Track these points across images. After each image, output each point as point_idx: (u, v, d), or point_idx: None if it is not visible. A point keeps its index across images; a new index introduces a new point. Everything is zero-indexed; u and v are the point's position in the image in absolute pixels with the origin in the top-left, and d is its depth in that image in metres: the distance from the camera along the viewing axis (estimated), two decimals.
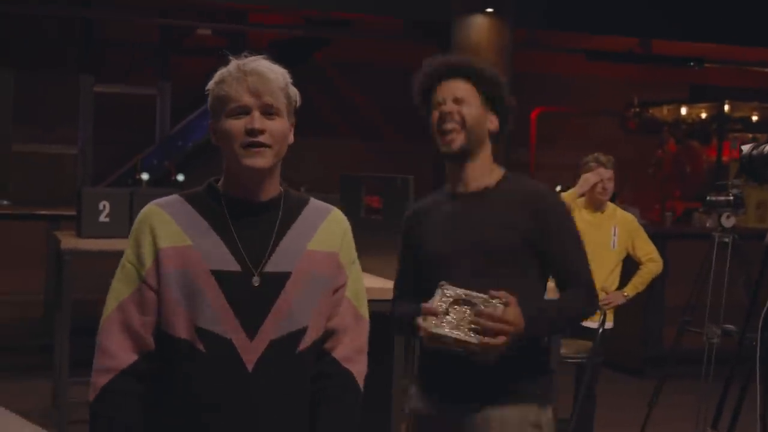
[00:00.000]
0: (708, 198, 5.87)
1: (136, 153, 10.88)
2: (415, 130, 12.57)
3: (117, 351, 2.28)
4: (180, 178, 10.12)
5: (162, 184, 10.11)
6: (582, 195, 5.66)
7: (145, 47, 11.39)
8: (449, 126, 2.76)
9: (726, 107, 13.02)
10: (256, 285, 2.27)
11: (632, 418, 6.24)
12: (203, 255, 2.26)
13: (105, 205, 6.33)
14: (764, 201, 9.96)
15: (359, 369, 2.45)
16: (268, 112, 2.27)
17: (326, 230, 2.38)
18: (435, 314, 2.64)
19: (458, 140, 2.77)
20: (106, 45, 11.37)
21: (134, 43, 11.54)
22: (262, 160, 2.26)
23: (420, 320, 2.65)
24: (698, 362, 5.87)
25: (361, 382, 2.45)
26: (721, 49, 11.27)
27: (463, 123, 2.76)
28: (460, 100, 2.77)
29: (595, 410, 5.61)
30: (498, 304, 2.61)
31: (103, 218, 6.34)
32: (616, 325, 5.73)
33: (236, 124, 2.25)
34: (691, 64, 11.56)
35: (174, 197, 2.37)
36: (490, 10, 9.11)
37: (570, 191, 5.64)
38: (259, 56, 2.33)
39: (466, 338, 2.61)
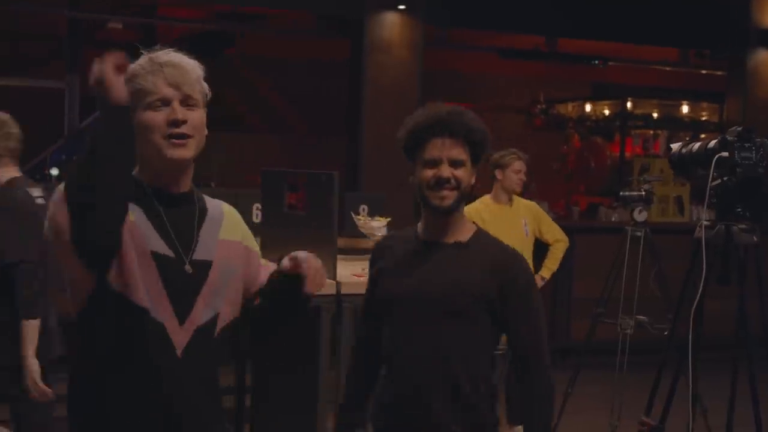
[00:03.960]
0: (621, 193, 6.08)
1: (44, 148, 10.63)
2: (326, 124, 12.53)
3: None
4: None
5: None
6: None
7: (53, 40, 11.15)
8: (446, 188, 2.82)
9: (628, 104, 13.32)
10: (189, 272, 2.33)
11: None
12: (144, 235, 2.28)
13: None
14: (666, 196, 10.26)
15: None
16: (188, 103, 2.31)
17: (228, 221, 2.49)
18: None
19: (450, 199, 2.83)
20: (13, 37, 11.10)
21: (42, 36, 11.29)
22: (185, 151, 2.31)
23: None
24: (609, 353, 6.05)
25: None
26: (622, 47, 11.57)
27: (457, 185, 2.82)
28: (456, 163, 2.82)
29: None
30: None
31: None
32: None
33: (157, 116, 2.27)
34: (596, 62, 11.83)
35: None
36: (402, 6, 9.19)
37: (485, 197, 6.10)
38: (169, 49, 2.36)
39: None
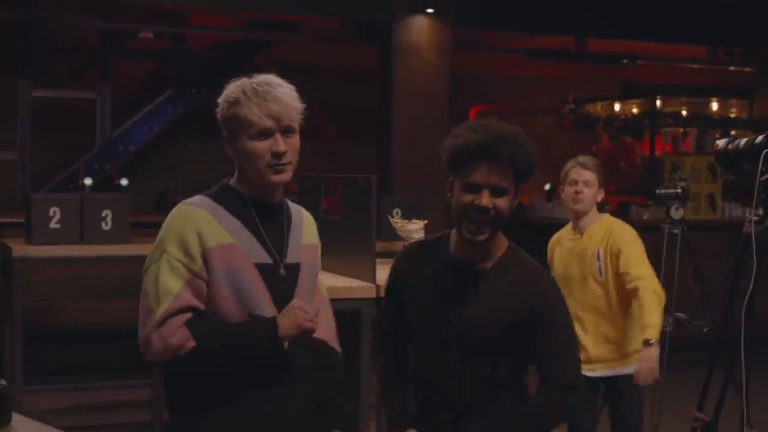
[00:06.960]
0: (657, 191, 6.06)
1: (76, 158, 10.74)
2: (355, 130, 12.55)
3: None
4: (124, 182, 10.06)
5: (105, 189, 10.01)
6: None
7: (84, 50, 11.25)
8: (483, 220, 2.64)
9: (657, 103, 13.27)
10: (283, 274, 2.59)
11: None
12: (245, 251, 2.53)
13: (55, 211, 6.25)
14: (698, 193, 10.23)
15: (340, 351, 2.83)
16: (288, 131, 2.57)
17: (307, 226, 2.75)
18: None
19: (485, 234, 2.66)
20: (45, 48, 11.20)
21: (74, 47, 11.39)
22: (286, 175, 2.58)
23: None
24: None
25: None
26: (651, 46, 11.53)
27: (496, 216, 2.64)
28: (499, 191, 2.64)
29: None
30: None
31: (53, 224, 6.26)
32: None
33: (261, 147, 2.53)
34: (625, 61, 11.82)
35: (202, 198, 2.60)
36: (430, 10, 9.22)
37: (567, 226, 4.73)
38: (269, 75, 2.59)
39: None
